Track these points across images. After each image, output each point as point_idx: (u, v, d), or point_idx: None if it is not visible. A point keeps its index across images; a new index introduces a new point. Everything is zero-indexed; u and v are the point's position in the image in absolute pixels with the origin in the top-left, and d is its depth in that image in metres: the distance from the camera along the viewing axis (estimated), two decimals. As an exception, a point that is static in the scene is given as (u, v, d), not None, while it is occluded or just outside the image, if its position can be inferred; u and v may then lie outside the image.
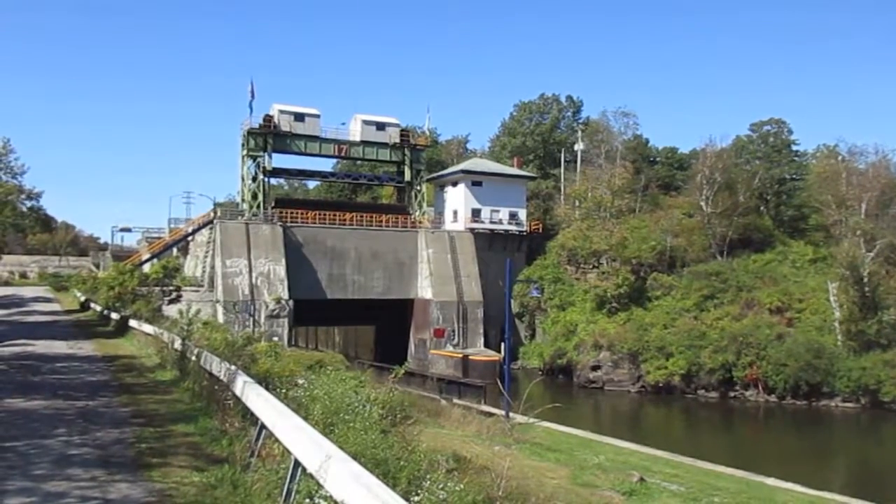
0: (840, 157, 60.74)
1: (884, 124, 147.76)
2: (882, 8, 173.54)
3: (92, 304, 45.23)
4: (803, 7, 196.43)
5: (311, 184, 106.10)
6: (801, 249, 61.02)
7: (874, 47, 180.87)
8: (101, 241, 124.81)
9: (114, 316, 34.46)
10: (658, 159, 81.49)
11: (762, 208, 67.27)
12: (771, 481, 20.99)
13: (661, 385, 51.18)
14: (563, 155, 77.94)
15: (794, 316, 52.00)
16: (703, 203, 61.66)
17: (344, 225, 60.17)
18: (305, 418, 7.94)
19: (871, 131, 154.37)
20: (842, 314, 49.25)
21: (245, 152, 60.45)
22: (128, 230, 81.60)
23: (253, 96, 60.08)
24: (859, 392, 46.41)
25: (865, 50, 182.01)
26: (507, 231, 66.33)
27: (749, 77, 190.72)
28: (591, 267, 63.04)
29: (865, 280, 48.91)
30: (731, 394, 50.24)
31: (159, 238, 64.47)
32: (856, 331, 47.84)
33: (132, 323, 29.60)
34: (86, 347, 24.93)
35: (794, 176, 69.12)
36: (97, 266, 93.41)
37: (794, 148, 71.72)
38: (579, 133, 78.42)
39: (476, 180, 66.11)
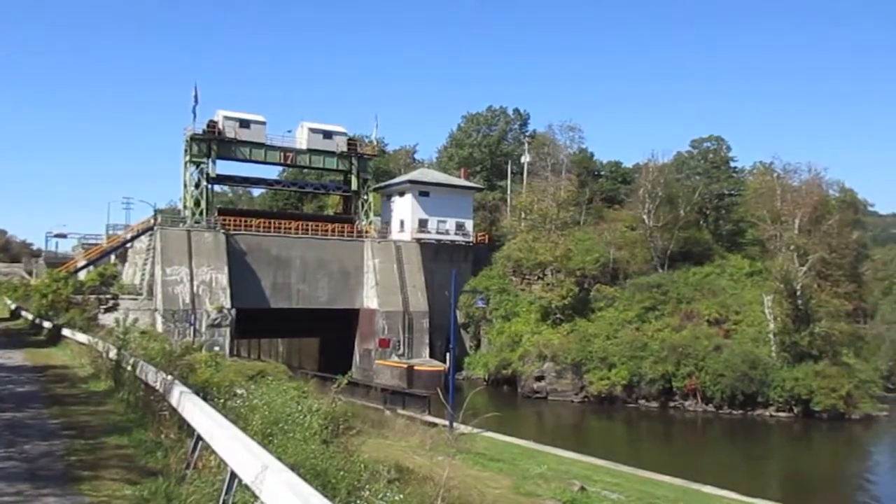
0: (775, 174, 62.82)
1: (816, 143, 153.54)
2: (817, 26, 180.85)
3: (23, 313, 43.69)
4: (744, 24, 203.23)
5: (256, 192, 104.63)
6: (738, 263, 62.79)
7: (809, 66, 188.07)
8: (35, 247, 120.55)
9: (46, 325, 33.27)
10: (602, 173, 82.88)
11: (702, 222, 69.05)
12: (708, 489, 21.56)
13: (603, 395, 51.94)
14: (509, 167, 78.79)
15: (731, 328, 53.46)
16: (645, 216, 62.98)
17: (289, 233, 59.51)
18: (244, 429, 7.77)
19: (805, 149, 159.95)
20: (776, 326, 50.87)
21: (188, 158, 58.94)
22: (63, 236, 78.69)
23: (196, 101, 58.71)
24: (792, 402, 47.95)
25: (799, 69, 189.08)
26: (453, 241, 66.46)
27: (689, 94, 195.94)
28: (536, 278, 63.72)
29: (798, 293, 50.60)
30: (671, 404, 51.31)
31: (96, 245, 62.38)
32: (789, 342, 49.45)
33: (65, 332, 28.62)
34: (15, 357, 23.97)
35: (731, 191, 71.09)
36: (30, 273, 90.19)
37: (732, 164, 73.90)
38: (526, 145, 79.25)
39: (423, 190, 66.19)
